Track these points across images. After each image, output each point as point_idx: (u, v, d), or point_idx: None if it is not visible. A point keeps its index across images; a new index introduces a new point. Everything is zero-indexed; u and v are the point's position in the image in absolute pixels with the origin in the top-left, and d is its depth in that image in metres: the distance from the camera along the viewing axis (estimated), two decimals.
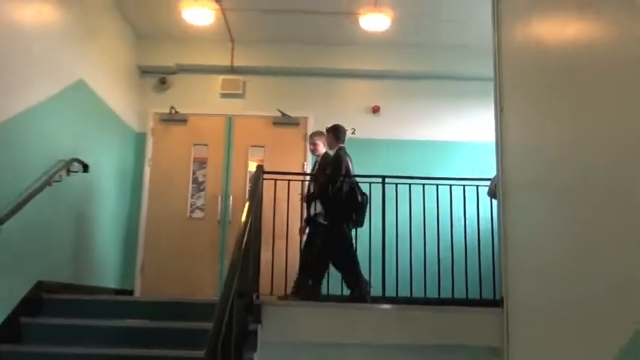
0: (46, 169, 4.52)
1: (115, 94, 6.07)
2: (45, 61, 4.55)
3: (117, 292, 6.08)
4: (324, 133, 5.66)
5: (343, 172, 5.20)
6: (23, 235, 4.14)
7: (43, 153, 4.51)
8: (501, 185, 4.41)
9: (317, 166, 5.64)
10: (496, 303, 4.46)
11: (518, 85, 4.22)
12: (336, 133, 5.49)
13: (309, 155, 6.67)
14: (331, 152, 5.50)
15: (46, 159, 4.54)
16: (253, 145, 6.82)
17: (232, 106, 6.89)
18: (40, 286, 4.36)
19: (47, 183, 4.44)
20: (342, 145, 5.47)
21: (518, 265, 4.12)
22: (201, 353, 2.59)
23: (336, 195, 5.14)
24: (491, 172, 4.78)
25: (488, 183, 5.03)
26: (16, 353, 3.81)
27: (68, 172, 4.80)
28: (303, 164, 6.66)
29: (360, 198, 5.18)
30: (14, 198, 4.03)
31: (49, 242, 4.62)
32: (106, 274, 5.88)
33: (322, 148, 5.66)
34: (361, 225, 5.16)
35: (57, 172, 4.62)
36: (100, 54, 5.69)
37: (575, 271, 3.08)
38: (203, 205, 6.69)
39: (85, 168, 5.05)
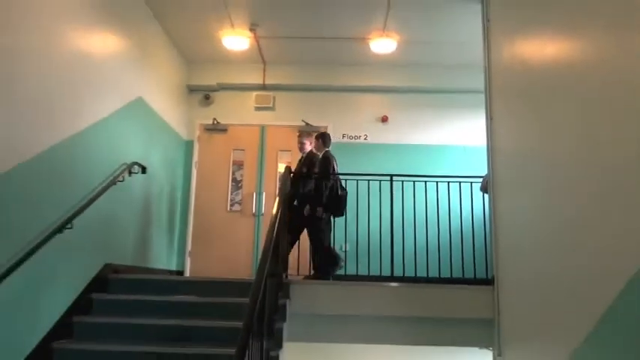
0: (112, 170, 4.58)
1: (168, 108, 6.13)
2: (110, 81, 4.61)
3: (170, 272, 6.15)
4: (310, 134, 5.72)
5: (331, 171, 5.24)
6: (94, 225, 4.21)
7: (110, 157, 4.57)
8: (492, 181, 4.38)
9: (304, 162, 5.52)
10: (488, 281, 4.43)
11: (506, 98, 4.18)
12: (324, 139, 5.53)
13: None
14: (319, 153, 5.50)
15: (112, 162, 4.60)
16: (282, 149, 6.83)
17: (264, 117, 6.92)
18: (107, 268, 4.43)
19: (113, 182, 4.50)
20: (328, 149, 5.50)
21: (507, 248, 4.09)
22: (240, 323, 2.60)
23: (330, 191, 5.18)
24: (483, 171, 4.74)
25: (480, 180, 4.99)
26: (87, 323, 3.87)
27: (130, 173, 4.86)
28: None
29: (340, 192, 5.20)
30: (87, 195, 4.10)
31: (114, 231, 4.68)
32: (161, 257, 5.94)
33: (308, 147, 5.60)
34: (341, 214, 5.17)
35: (121, 173, 4.68)
36: (155, 75, 5.75)
37: (554, 250, 3.04)
38: (240, 200, 6.72)
39: (144, 170, 5.10)
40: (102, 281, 4.29)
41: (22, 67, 3.29)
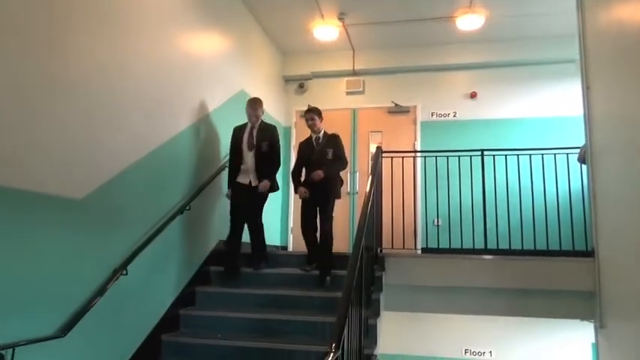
0: (221, 158, 4.81)
1: (267, 98, 6.26)
2: (216, 77, 4.82)
3: (276, 247, 6.37)
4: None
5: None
6: (208, 206, 4.45)
7: (222, 145, 4.80)
8: (590, 151, 4.02)
9: (326, 144, 4.57)
10: (588, 254, 4.10)
11: (603, 64, 3.79)
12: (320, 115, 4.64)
13: (419, 135, 6.50)
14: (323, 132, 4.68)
15: (221, 151, 4.83)
16: (373, 130, 6.75)
17: (355, 101, 6.87)
18: (221, 243, 4.67)
19: (222, 168, 4.72)
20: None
21: (608, 219, 3.75)
22: (339, 294, 2.64)
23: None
24: (577, 142, 4.36)
25: (577, 151, 4.59)
26: (207, 292, 4.13)
27: None
28: (414, 144, 6.50)
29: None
30: (201, 180, 4.34)
31: (225, 210, 4.91)
32: (269, 234, 6.14)
33: (320, 125, 4.66)
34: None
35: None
36: (254, 68, 5.92)
37: None
38: None
39: None
40: (217, 256, 4.54)
41: (139, 70, 3.53)
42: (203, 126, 4.46)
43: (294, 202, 6.75)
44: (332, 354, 2.11)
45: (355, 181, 6.59)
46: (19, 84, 2.46)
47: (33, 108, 2.54)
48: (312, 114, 4.59)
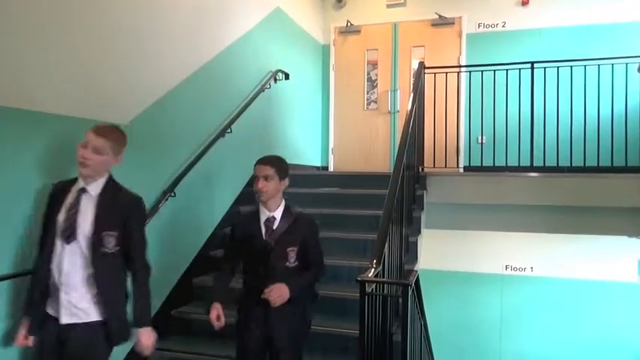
0: (260, 79, 4.76)
1: (304, 15, 6.06)
2: None
3: (317, 168, 6.45)
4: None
5: None
6: (249, 129, 4.48)
7: (257, 67, 4.74)
8: None
9: (286, 234, 2.40)
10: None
11: None
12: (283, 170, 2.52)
13: (465, 49, 6.18)
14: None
15: (259, 71, 4.77)
16: (415, 45, 6.45)
17: (396, 14, 6.51)
18: None
19: (261, 90, 4.69)
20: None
21: None
22: (380, 212, 2.67)
23: None
24: (639, 51, 4.03)
25: (637, 60, 4.25)
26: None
27: (275, 80, 5.01)
28: (459, 58, 6.20)
29: None
30: (241, 102, 4.35)
31: (265, 133, 4.95)
32: (309, 155, 6.22)
33: (277, 191, 2.43)
34: None
35: (267, 80, 4.84)
36: None
37: None
38: (376, 98, 6.62)
39: (287, 76, 5.22)
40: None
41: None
42: (240, 47, 4.38)
43: (334, 121, 6.69)
44: (373, 269, 2.19)
45: (396, 100, 6.43)
46: (60, 3, 2.46)
47: (75, 30, 2.56)
48: (265, 165, 2.39)
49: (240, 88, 4.39)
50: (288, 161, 5.04)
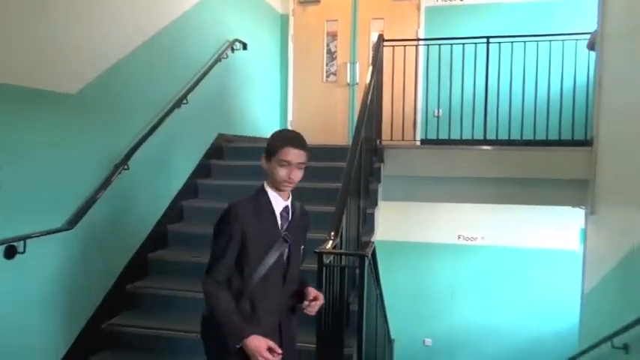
0: (217, 48, 4.62)
1: None
2: None
3: None
4: None
5: None
6: (205, 100, 4.37)
7: (214, 36, 4.59)
8: (601, 34, 3.87)
9: (299, 226, 2.05)
10: (586, 143, 4.12)
11: None
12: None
13: (423, 22, 6.19)
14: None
15: (216, 41, 4.63)
16: (374, 17, 6.41)
17: None
18: (220, 138, 4.68)
19: (218, 59, 4.56)
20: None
21: (611, 107, 3.71)
22: (338, 185, 2.69)
23: None
24: (590, 28, 4.17)
25: (587, 37, 4.39)
26: (209, 185, 4.23)
27: (232, 50, 4.88)
28: (417, 31, 6.21)
29: None
30: (197, 72, 4.22)
31: (223, 105, 4.85)
32: (266, 127, 6.13)
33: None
34: None
35: (224, 50, 4.71)
36: None
37: None
38: (335, 70, 6.58)
39: (245, 46, 5.09)
40: (217, 149, 4.58)
41: None
42: (196, 15, 4.22)
43: (293, 93, 6.62)
44: (331, 241, 2.21)
45: (355, 72, 6.42)
46: None
47: None
48: (302, 151, 1.91)
49: (196, 58, 4.25)
50: (247, 134, 4.97)
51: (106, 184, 2.98)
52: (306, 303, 1.86)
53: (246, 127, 5.35)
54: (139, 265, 3.38)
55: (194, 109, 4.07)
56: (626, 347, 3.02)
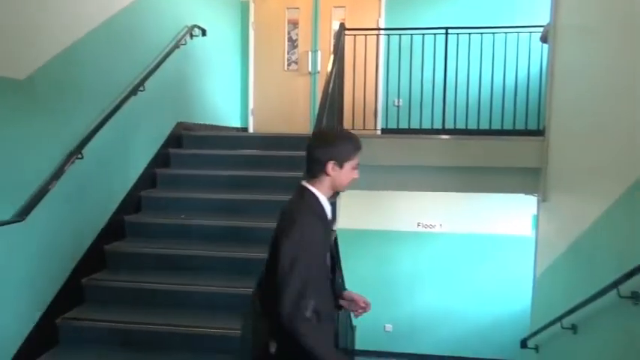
0: (175, 34, 4.50)
1: None
2: None
3: (236, 129, 6.31)
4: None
5: None
6: (163, 87, 4.25)
7: (172, 20, 4.47)
8: (554, 27, 4.01)
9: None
10: (539, 132, 4.27)
11: None
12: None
13: (384, 12, 6.22)
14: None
15: (174, 25, 4.50)
16: (336, 5, 6.40)
17: None
18: (179, 126, 4.58)
19: (176, 46, 4.44)
20: None
21: (562, 98, 3.85)
22: (300, 174, 2.68)
23: None
24: (544, 21, 4.30)
25: (540, 30, 4.53)
26: (166, 174, 4.14)
27: (191, 36, 4.77)
28: (378, 20, 6.24)
29: None
30: (154, 59, 4.10)
31: (182, 92, 4.74)
32: (227, 116, 6.06)
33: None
34: None
35: (183, 36, 4.59)
36: None
37: (612, 100, 2.82)
38: (297, 59, 6.54)
39: (204, 32, 4.98)
40: (176, 138, 4.48)
41: None
42: None
43: (254, 81, 6.54)
44: None
45: (317, 60, 6.40)
46: None
47: None
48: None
49: (153, 43, 4.12)
50: (207, 122, 4.88)
51: (58, 173, 2.86)
52: (360, 311, 1.96)
53: (206, 116, 5.25)
54: (94, 258, 3.27)
55: (152, 97, 3.96)
56: (574, 327, 3.17)
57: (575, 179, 3.54)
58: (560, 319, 3.27)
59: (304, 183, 1.79)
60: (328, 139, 1.80)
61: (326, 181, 1.76)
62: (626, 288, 2.39)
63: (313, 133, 2.06)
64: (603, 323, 2.82)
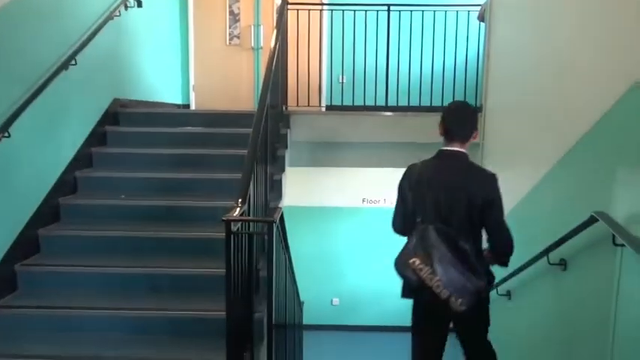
0: (107, 5, 4.25)
1: None
2: None
3: (177, 106, 6.11)
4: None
5: None
6: (97, 62, 4.03)
7: None
8: (490, 5, 4.13)
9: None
10: (478, 109, 4.43)
11: None
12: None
13: None
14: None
15: None
16: None
17: None
18: (116, 102, 4.37)
19: (109, 18, 4.20)
20: None
21: (498, 76, 4.00)
22: (244, 151, 2.64)
23: None
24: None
25: (478, 8, 4.66)
26: (104, 153, 3.96)
27: (126, 7, 4.52)
28: None
29: None
30: (86, 31, 3.86)
31: (119, 67, 4.52)
32: (167, 92, 5.84)
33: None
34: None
35: (117, 7, 4.35)
36: None
37: (544, 76, 2.96)
38: (239, 33, 6.38)
39: (139, 3, 4.73)
40: (113, 115, 4.28)
41: None
42: None
43: (195, 56, 6.33)
44: (238, 208, 2.18)
45: (260, 35, 6.27)
46: None
47: None
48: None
49: (85, 14, 3.87)
50: (145, 99, 4.69)
51: None
52: None
53: (144, 92, 5.03)
54: (27, 242, 3.10)
55: (84, 72, 3.74)
56: (508, 293, 3.37)
57: (509, 154, 3.71)
58: (496, 286, 3.46)
59: (458, 148, 2.29)
60: (475, 111, 2.40)
61: (467, 146, 2.30)
62: (555, 255, 2.56)
63: (462, 105, 2.46)
64: (535, 288, 3.01)
